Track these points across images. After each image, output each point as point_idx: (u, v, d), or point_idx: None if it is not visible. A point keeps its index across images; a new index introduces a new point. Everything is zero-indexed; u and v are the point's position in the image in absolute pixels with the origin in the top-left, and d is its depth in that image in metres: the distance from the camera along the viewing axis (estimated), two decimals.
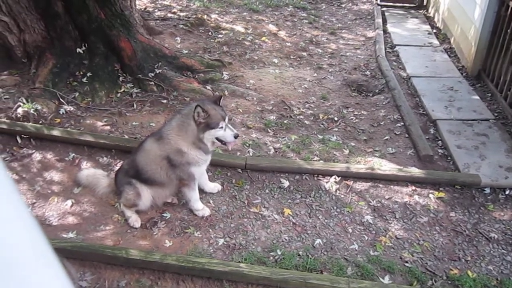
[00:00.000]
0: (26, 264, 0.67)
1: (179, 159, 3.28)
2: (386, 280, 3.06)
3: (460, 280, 3.08)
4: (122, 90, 5.17)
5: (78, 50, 5.27)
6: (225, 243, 3.29)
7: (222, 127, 3.19)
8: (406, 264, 3.21)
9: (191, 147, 3.25)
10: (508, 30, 5.08)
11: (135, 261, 3.02)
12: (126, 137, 4.34)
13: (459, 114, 5.00)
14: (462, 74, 6.02)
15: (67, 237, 3.26)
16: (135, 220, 3.43)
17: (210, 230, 3.40)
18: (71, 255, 3.07)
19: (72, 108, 4.72)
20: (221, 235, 3.37)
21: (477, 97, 5.38)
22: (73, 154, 4.07)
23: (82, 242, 3.19)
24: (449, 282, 3.10)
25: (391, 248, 3.35)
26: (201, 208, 3.53)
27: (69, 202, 3.59)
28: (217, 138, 3.24)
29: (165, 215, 3.52)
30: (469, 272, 3.16)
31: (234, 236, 3.36)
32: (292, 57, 6.58)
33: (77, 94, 4.94)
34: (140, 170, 3.38)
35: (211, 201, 3.67)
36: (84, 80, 5.11)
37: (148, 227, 3.41)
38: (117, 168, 3.95)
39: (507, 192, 3.91)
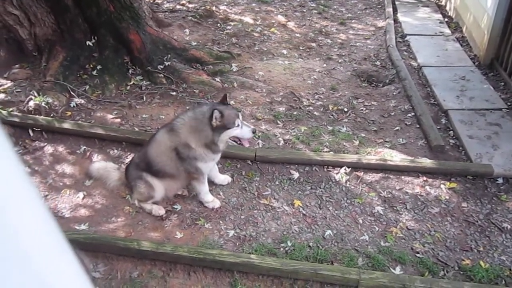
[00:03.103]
0: (42, 255, 0.68)
1: (186, 153, 3.28)
2: (397, 270, 3.05)
3: (472, 271, 3.06)
4: (131, 82, 5.19)
5: (88, 43, 5.29)
6: (235, 234, 3.31)
7: (238, 125, 3.19)
8: (418, 255, 3.20)
9: (200, 145, 3.25)
10: None
11: (146, 252, 3.05)
12: (136, 129, 4.35)
13: (471, 104, 4.93)
14: (474, 63, 5.93)
15: (80, 229, 3.30)
16: (158, 209, 3.48)
17: (221, 222, 3.41)
18: (84, 246, 3.10)
19: (82, 101, 4.75)
20: (231, 226, 3.38)
21: (490, 86, 5.29)
22: (84, 147, 4.10)
23: (94, 234, 3.23)
24: (461, 272, 3.08)
25: (402, 239, 3.34)
26: (211, 200, 3.54)
27: (81, 195, 3.63)
28: (233, 137, 3.25)
29: (175, 207, 3.54)
30: (481, 262, 3.14)
31: (245, 227, 3.37)
32: (301, 48, 6.53)
33: (87, 87, 4.97)
34: (151, 162, 3.38)
35: (221, 193, 3.68)
36: (94, 73, 5.13)
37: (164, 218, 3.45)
38: (127, 160, 3.98)
39: None
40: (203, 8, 7.41)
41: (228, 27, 6.93)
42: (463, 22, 6.90)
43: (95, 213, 3.48)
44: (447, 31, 6.96)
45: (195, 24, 6.90)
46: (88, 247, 3.11)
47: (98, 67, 5.18)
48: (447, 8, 7.86)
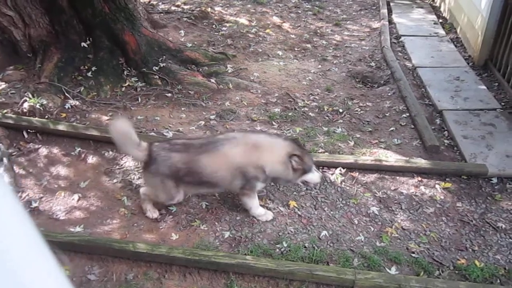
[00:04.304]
0: (18, 254, 0.68)
1: (254, 174, 3.17)
2: (393, 270, 3.06)
3: (467, 270, 3.07)
4: (126, 84, 5.18)
5: (83, 44, 5.28)
6: (231, 235, 3.30)
7: (313, 171, 3.27)
8: (413, 255, 3.21)
9: (273, 173, 3.21)
10: None
11: (142, 254, 3.04)
12: None
13: (466, 104, 4.96)
14: (468, 64, 5.96)
15: (75, 231, 3.28)
16: (153, 212, 3.44)
17: (216, 223, 3.41)
18: (79, 249, 3.10)
19: (77, 103, 4.74)
20: (227, 227, 3.38)
21: (484, 87, 5.32)
22: (79, 149, 4.09)
23: (89, 236, 3.21)
24: (456, 272, 3.09)
25: (397, 239, 3.35)
26: (263, 213, 3.44)
27: (76, 197, 3.62)
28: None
29: (171, 208, 3.53)
30: (476, 261, 3.15)
31: (240, 228, 3.37)
32: (296, 49, 6.54)
33: (82, 88, 4.95)
34: (199, 172, 3.17)
35: (216, 194, 3.67)
36: (89, 74, 5.12)
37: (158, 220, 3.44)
38: (122, 162, 3.97)
39: None
40: (198, 9, 7.41)
41: (223, 28, 6.93)
42: (457, 23, 6.93)
43: (90, 215, 3.47)
44: (442, 32, 7.00)
45: (190, 25, 6.90)
46: (83, 249, 3.10)
47: (93, 68, 5.17)
48: (442, 9, 7.90)
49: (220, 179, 3.20)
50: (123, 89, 5.11)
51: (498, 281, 3.03)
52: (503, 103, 5.00)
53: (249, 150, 3.16)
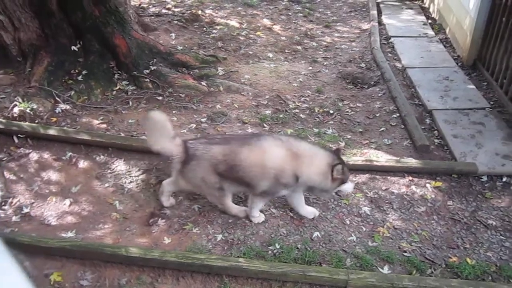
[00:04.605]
0: None
1: (287, 180, 3.14)
2: (385, 270, 3.08)
3: (459, 268, 3.10)
4: (117, 87, 5.16)
5: (73, 48, 5.26)
6: (223, 238, 3.30)
7: (348, 181, 3.29)
8: (405, 254, 3.23)
9: (307, 183, 3.19)
10: (503, 19, 5.07)
11: (135, 258, 3.03)
12: (123, 135, 4.34)
13: (455, 104, 5.00)
14: (457, 64, 6.02)
15: (67, 236, 3.27)
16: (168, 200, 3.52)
17: (208, 226, 3.41)
18: (71, 254, 3.08)
19: (68, 107, 4.71)
20: (219, 230, 3.37)
21: (473, 86, 5.38)
22: (70, 153, 4.06)
23: (81, 241, 3.20)
24: (448, 270, 3.12)
25: (389, 239, 3.37)
26: (257, 215, 3.44)
27: (67, 202, 3.60)
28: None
29: (164, 211, 3.53)
30: (468, 259, 3.18)
31: (233, 231, 3.37)
32: (287, 51, 6.57)
33: (72, 92, 4.93)
34: (237, 165, 3.14)
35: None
36: (80, 78, 5.09)
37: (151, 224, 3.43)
38: (114, 166, 3.96)
39: (504, 179, 3.93)
40: (189, 12, 7.42)
41: (214, 31, 6.94)
42: (446, 23, 7.00)
43: (82, 220, 3.45)
44: (431, 32, 7.06)
45: (181, 28, 6.90)
46: (75, 254, 3.09)
47: (84, 72, 5.14)
48: (431, 10, 7.96)
49: (252, 176, 3.15)
50: (114, 92, 5.10)
51: (490, 278, 3.06)
52: (492, 102, 5.06)
53: (289, 156, 3.12)
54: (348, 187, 3.32)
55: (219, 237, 3.31)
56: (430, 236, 3.40)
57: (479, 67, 5.77)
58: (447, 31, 6.95)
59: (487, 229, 3.48)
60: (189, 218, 3.48)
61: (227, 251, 3.20)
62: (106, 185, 3.80)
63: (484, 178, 3.95)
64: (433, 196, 3.77)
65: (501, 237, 3.40)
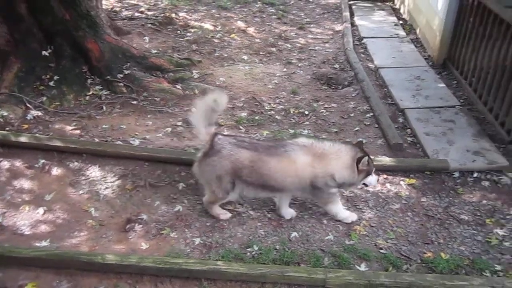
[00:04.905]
0: None
1: (325, 181, 3.23)
2: (363, 267, 3.12)
3: (434, 263, 3.16)
4: (90, 92, 5.09)
5: (44, 52, 5.15)
6: (201, 242, 3.29)
7: (373, 174, 3.38)
8: (381, 251, 3.28)
9: (341, 180, 3.26)
10: (471, 19, 5.22)
11: (111, 266, 2.98)
12: (97, 140, 4.28)
13: (427, 102, 5.12)
14: (428, 63, 6.16)
15: (41, 245, 3.19)
16: (225, 214, 3.48)
17: (186, 230, 3.39)
18: (46, 264, 3.02)
19: (39, 113, 4.62)
20: (197, 234, 3.36)
21: (443, 85, 5.52)
22: (43, 161, 3.98)
23: (56, 250, 3.13)
24: (424, 265, 3.18)
25: (366, 236, 3.42)
26: (348, 215, 3.50)
27: (41, 210, 3.52)
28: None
29: (141, 217, 3.49)
30: (442, 254, 3.25)
31: (211, 234, 3.36)
32: (261, 53, 6.60)
33: (44, 98, 4.84)
34: (265, 174, 3.17)
35: (185, 201, 3.66)
36: (51, 83, 5.00)
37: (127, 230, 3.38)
38: (89, 173, 3.90)
39: (475, 175, 4.04)
40: (162, 15, 7.37)
41: (188, 34, 6.92)
42: (417, 24, 7.16)
43: (57, 229, 3.38)
44: (402, 33, 7.21)
45: (155, 31, 6.85)
46: (50, 264, 3.02)
47: (55, 77, 5.05)
48: (401, 11, 8.13)
49: (285, 185, 3.24)
50: (87, 97, 5.02)
51: (463, 271, 3.12)
52: (462, 100, 5.20)
53: (316, 160, 3.19)
54: (373, 179, 3.43)
55: (197, 240, 3.30)
56: (405, 232, 3.47)
57: (449, 66, 5.92)
58: (417, 31, 7.11)
59: (459, 224, 3.56)
60: (166, 223, 3.45)
61: (206, 254, 3.19)
62: (81, 192, 3.73)
63: (456, 174, 4.05)
64: (407, 193, 3.85)
65: (473, 231, 3.49)
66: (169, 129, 4.57)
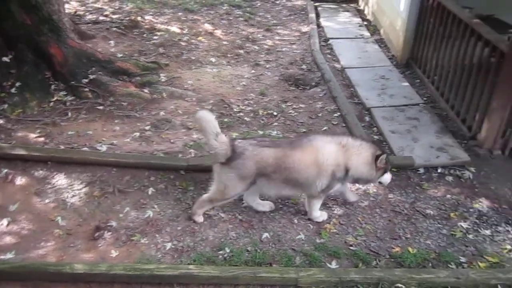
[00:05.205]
0: None
1: (341, 175, 3.30)
2: (333, 265, 3.17)
3: (402, 257, 3.24)
4: (55, 99, 4.97)
5: (4, 59, 4.99)
6: (173, 246, 3.27)
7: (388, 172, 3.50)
8: (351, 248, 3.34)
9: (355, 175, 3.35)
10: (431, 20, 5.38)
11: (80, 275, 2.92)
12: (62, 147, 4.19)
13: (392, 101, 5.25)
14: (392, 63, 6.32)
15: (5, 258, 3.09)
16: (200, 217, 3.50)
17: (157, 235, 3.36)
18: (11, 277, 2.93)
19: (1, 121, 4.49)
20: (168, 239, 3.33)
21: (407, 84, 5.68)
22: (6, 170, 3.85)
23: (22, 262, 3.04)
24: (392, 260, 3.26)
25: (336, 234, 3.47)
26: (319, 215, 3.56)
27: (4, 221, 3.40)
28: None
29: (110, 224, 3.43)
30: (409, 248, 3.34)
31: (182, 238, 3.34)
32: (229, 55, 6.60)
33: (6, 106, 4.69)
34: (289, 168, 3.23)
35: (155, 206, 3.62)
36: (13, 90, 4.85)
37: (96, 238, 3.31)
38: (54, 181, 3.81)
39: (439, 170, 4.17)
40: (127, 18, 7.28)
41: (155, 37, 6.85)
42: (381, 25, 7.33)
43: (22, 240, 3.28)
44: (367, 34, 7.36)
45: (120, 35, 6.75)
46: (16, 277, 2.94)
47: (17, 84, 4.90)
48: (366, 12, 8.30)
49: (307, 177, 3.25)
50: (51, 104, 4.90)
51: (430, 264, 3.22)
52: (425, 98, 5.36)
53: (341, 150, 3.29)
54: (388, 177, 3.54)
55: (169, 245, 3.27)
56: (374, 229, 3.54)
57: (412, 65, 6.09)
58: (381, 32, 7.28)
59: (425, 218, 3.67)
60: (136, 229, 3.41)
61: (177, 259, 3.17)
62: (47, 201, 3.64)
63: (421, 170, 4.17)
64: (375, 190, 3.93)
65: (439, 225, 3.60)
66: (137, 134, 4.51)
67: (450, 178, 4.09)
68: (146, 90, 5.28)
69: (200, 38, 7.02)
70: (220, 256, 3.19)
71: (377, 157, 3.32)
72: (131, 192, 3.77)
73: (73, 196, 3.69)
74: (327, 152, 3.26)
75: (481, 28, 4.30)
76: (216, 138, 3.18)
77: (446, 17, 4.95)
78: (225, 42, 7.00)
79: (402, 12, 6.08)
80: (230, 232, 3.42)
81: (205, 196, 3.45)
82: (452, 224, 3.60)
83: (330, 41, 7.09)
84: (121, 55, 6.03)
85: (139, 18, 7.35)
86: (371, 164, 3.33)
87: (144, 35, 6.88)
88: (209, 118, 3.21)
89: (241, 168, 3.21)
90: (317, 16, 8.18)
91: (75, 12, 7.51)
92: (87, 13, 7.56)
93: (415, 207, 3.78)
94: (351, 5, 8.79)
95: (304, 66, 6.30)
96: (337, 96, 5.28)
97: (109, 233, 3.36)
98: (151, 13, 7.84)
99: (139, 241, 3.30)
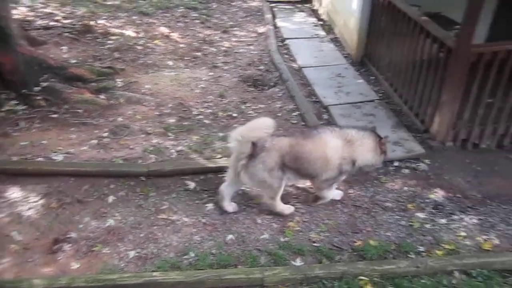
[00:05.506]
0: None
1: (347, 168, 3.52)
2: (298, 262, 3.21)
3: (364, 250, 3.33)
4: (5, 108, 4.76)
5: None
6: (136, 254, 3.21)
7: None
8: (315, 244, 3.39)
9: (360, 164, 3.56)
10: (383, 18, 5.55)
11: None
12: (15, 159, 4.03)
13: (348, 98, 5.38)
14: (347, 61, 6.47)
15: None
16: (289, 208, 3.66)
17: (119, 244, 3.29)
18: None
19: None
20: (131, 247, 3.27)
21: (363, 81, 5.83)
22: None
23: None
24: (355, 253, 3.33)
25: (299, 232, 3.52)
26: (331, 196, 3.79)
27: None
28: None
29: (69, 236, 3.33)
30: (371, 241, 3.42)
31: (145, 246, 3.29)
32: (186, 58, 6.55)
33: None
34: (302, 157, 3.38)
35: (116, 214, 3.55)
36: None
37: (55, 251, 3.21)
38: (6, 194, 3.66)
39: (395, 164, 4.31)
40: (80, 23, 7.08)
41: (109, 41, 6.70)
42: (335, 24, 7.48)
43: None
44: (322, 33, 7.50)
45: (73, 40, 6.56)
46: None
47: None
48: (320, 12, 8.44)
49: (315, 168, 3.44)
50: (2, 114, 4.69)
51: (391, 255, 3.32)
52: (380, 94, 5.52)
53: (345, 145, 3.47)
54: (386, 157, 3.78)
55: (132, 254, 3.22)
56: (336, 224, 3.61)
57: (366, 63, 6.26)
58: (336, 31, 7.43)
59: (385, 211, 3.78)
60: (97, 239, 3.33)
61: (141, 267, 3.12)
62: (1, 215, 3.48)
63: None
64: (335, 186, 4.01)
65: (397, 217, 3.71)
66: (95, 141, 4.41)
67: (406, 171, 4.23)
68: (102, 96, 5.16)
69: (156, 41, 6.93)
70: (185, 261, 3.17)
71: (380, 142, 3.57)
72: (90, 202, 3.67)
73: (29, 209, 3.56)
74: (334, 147, 3.45)
75: (429, 25, 4.47)
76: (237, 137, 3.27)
77: (397, 15, 5.11)
78: (182, 45, 6.94)
79: (355, 11, 6.23)
80: (194, 236, 3.40)
81: (265, 200, 3.61)
82: (410, 215, 3.72)
83: (287, 41, 7.18)
84: (74, 61, 5.86)
85: (92, 23, 7.16)
86: (375, 149, 3.57)
87: (98, 40, 6.72)
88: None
89: (266, 160, 3.32)
90: (273, 16, 8.25)
91: (24, 17, 7.23)
92: (37, 19, 7.28)
93: (375, 200, 3.88)
94: (306, 5, 8.92)
95: (262, 67, 6.35)
96: (295, 95, 5.36)
97: (69, 245, 3.27)
98: (104, 17, 7.66)
99: (100, 251, 3.22)
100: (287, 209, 3.64)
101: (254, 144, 3.28)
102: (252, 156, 3.29)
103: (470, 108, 4.33)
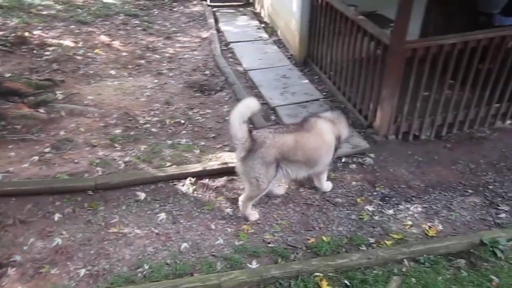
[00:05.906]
0: None
1: (337, 144, 3.75)
2: (254, 264, 3.23)
3: (317, 247, 3.39)
4: None
5: None
6: (87, 272, 3.10)
7: None
8: (270, 245, 3.43)
9: (343, 138, 3.85)
10: (322, 18, 5.70)
11: None
12: None
13: (294, 98, 5.48)
14: (291, 62, 6.58)
15: None
16: (254, 214, 3.71)
17: (68, 263, 3.16)
18: None
19: None
20: (81, 265, 3.15)
21: (307, 81, 5.95)
22: None
23: None
24: (309, 251, 3.39)
25: (254, 234, 3.54)
26: (328, 185, 4.06)
27: None
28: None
29: (13, 259, 3.16)
30: (323, 237, 3.50)
31: (96, 262, 3.18)
32: (130, 66, 6.41)
33: None
34: (307, 149, 3.51)
35: (64, 232, 3.41)
36: None
37: None
38: None
39: (343, 160, 4.43)
40: (13, 34, 6.74)
41: (47, 53, 6.43)
42: (277, 26, 7.59)
43: None
44: (265, 35, 7.59)
45: (6, 53, 6.23)
46: None
47: None
48: (262, 15, 8.54)
49: (320, 154, 3.63)
50: None
51: (344, 249, 3.41)
52: (324, 93, 5.66)
53: (333, 125, 3.71)
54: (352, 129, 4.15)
55: (82, 272, 3.10)
56: (289, 223, 3.67)
57: (309, 63, 6.40)
58: (278, 33, 7.54)
59: (335, 207, 3.88)
60: (44, 260, 3.18)
61: (93, 285, 3.01)
62: None
63: None
64: (286, 186, 4.07)
65: (347, 211, 3.83)
66: (36, 158, 4.21)
67: (353, 166, 4.37)
68: (41, 110, 4.94)
69: (97, 50, 6.73)
70: (139, 274, 3.10)
71: (347, 118, 3.88)
72: (34, 221, 3.50)
73: None
74: (330, 131, 3.68)
75: (365, 24, 4.64)
76: (240, 126, 3.24)
77: (335, 15, 5.27)
78: (124, 53, 6.79)
79: (295, 13, 6.35)
80: (147, 248, 3.33)
81: (242, 197, 3.60)
82: (360, 209, 3.84)
83: (231, 45, 7.20)
84: (9, 74, 5.57)
85: (26, 34, 6.84)
86: (347, 125, 3.86)
87: (34, 51, 6.43)
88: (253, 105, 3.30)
89: (265, 156, 3.36)
90: (216, 21, 8.26)
91: None
92: None
93: (325, 197, 3.98)
94: (248, 8, 9.00)
95: (207, 72, 6.33)
96: (242, 99, 5.36)
97: (13, 269, 3.10)
98: (40, 27, 7.35)
99: (48, 272, 3.08)
100: (253, 215, 3.67)
101: (254, 138, 3.34)
102: (251, 150, 3.34)
103: (408, 101, 4.54)
